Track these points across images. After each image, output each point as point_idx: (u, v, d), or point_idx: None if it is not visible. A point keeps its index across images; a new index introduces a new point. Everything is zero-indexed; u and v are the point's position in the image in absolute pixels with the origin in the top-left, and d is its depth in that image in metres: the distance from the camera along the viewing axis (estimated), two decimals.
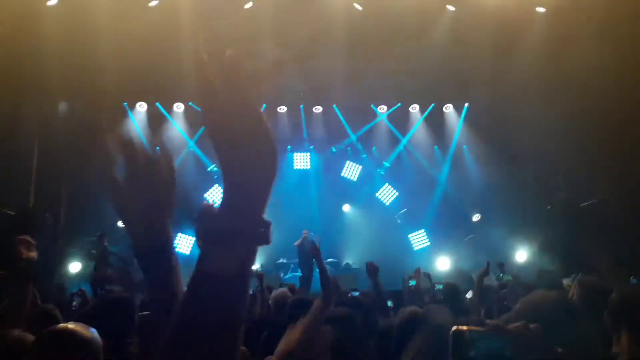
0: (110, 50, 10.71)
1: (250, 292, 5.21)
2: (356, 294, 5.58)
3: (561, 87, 11.32)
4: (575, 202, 10.56)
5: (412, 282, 6.76)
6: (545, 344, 1.45)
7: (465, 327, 1.47)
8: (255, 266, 12.86)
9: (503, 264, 10.02)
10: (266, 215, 0.86)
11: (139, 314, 2.60)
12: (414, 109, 15.05)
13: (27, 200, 10.76)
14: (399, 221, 14.22)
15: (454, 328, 1.50)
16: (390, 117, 15.12)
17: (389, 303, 5.05)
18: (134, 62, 11.01)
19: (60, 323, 2.14)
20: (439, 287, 7.39)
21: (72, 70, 10.95)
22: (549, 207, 11.43)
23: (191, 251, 12.75)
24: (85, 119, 13.31)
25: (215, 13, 10.87)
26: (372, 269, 3.95)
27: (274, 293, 4.68)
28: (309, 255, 12.47)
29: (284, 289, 5.04)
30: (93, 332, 1.98)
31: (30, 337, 2.22)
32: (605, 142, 9.67)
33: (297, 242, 12.57)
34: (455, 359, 1.45)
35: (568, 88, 11.05)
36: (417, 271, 5.83)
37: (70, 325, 1.99)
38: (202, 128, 14.62)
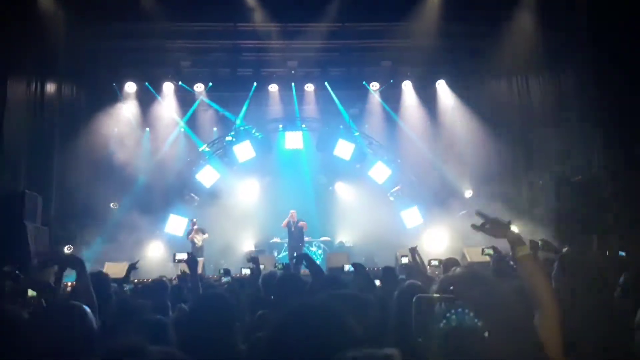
0: None
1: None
2: (351, 269, 5.69)
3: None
4: (568, 176, 10.57)
5: (404, 260, 6.78)
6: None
7: (435, 295, 1.44)
8: (250, 247, 12.84)
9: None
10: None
11: None
12: (406, 85, 14.93)
13: (18, 184, 10.61)
14: (391, 199, 14.24)
15: (419, 295, 1.46)
16: (383, 94, 15.00)
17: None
18: None
19: None
20: (434, 263, 7.44)
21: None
22: (541, 182, 11.46)
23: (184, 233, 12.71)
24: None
25: None
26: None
27: (263, 273, 4.97)
28: (298, 236, 12.52)
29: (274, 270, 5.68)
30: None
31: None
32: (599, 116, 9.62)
33: (283, 223, 12.60)
34: (418, 326, 1.42)
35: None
36: (413, 250, 5.84)
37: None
38: (193, 108, 14.53)
